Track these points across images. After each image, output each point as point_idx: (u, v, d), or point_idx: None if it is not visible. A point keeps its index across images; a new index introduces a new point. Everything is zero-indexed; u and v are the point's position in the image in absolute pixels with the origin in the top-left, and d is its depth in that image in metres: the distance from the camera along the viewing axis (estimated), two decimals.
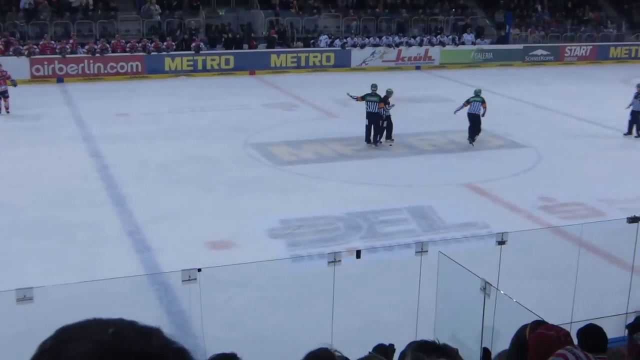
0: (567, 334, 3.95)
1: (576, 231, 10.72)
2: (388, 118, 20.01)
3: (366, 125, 19.85)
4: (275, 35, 34.39)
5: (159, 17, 33.86)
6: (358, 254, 8.75)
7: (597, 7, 43.10)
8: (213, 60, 31.97)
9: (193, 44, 31.89)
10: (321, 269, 8.44)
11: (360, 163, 18.48)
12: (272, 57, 33.13)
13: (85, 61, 29.82)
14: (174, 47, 31.70)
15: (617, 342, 6.16)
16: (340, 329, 8.13)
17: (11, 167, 17.18)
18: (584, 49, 39.08)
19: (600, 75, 34.25)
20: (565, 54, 38.54)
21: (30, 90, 26.06)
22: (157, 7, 33.96)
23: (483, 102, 20.27)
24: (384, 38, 35.71)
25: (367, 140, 19.86)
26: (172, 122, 22.34)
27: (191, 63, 31.56)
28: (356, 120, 20.48)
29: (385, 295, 10.64)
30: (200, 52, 31.76)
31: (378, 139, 19.87)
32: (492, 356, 6.31)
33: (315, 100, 26.35)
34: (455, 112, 20.73)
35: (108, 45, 30.53)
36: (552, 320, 4.72)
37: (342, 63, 34.04)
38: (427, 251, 8.41)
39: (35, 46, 29.54)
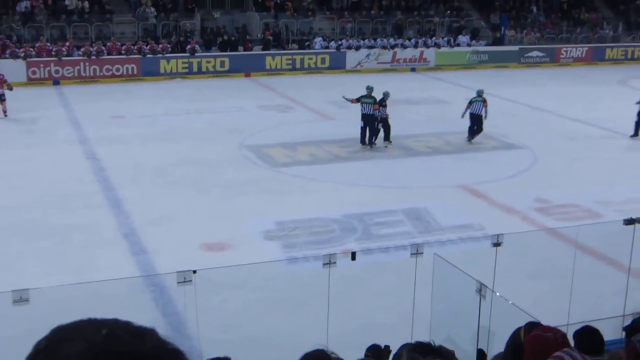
0: (564, 335, 3.94)
1: (572, 233, 10.72)
2: (385, 120, 20.02)
3: (361, 127, 19.85)
4: (270, 38, 34.41)
5: (154, 20, 33.85)
6: (353, 255, 8.74)
7: (593, 9, 43.15)
8: (208, 62, 31.98)
9: (188, 47, 31.91)
10: (316, 270, 8.43)
11: (355, 165, 18.48)
12: (267, 59, 33.14)
13: (81, 64, 29.83)
14: (169, 49, 31.71)
15: (613, 345, 6.16)
16: (335, 330, 8.12)
17: (8, 170, 17.16)
18: (579, 51, 39.09)
19: (596, 77, 34.27)
20: (561, 56, 38.57)
21: (27, 92, 26.03)
22: (153, 9, 33.95)
23: (484, 101, 20.36)
24: (378, 40, 35.72)
25: (362, 142, 19.86)
26: (168, 124, 22.32)
27: (186, 65, 31.56)
28: (351, 122, 20.47)
29: (381, 297, 10.63)
30: (196, 54, 31.78)
31: (373, 140, 19.87)
32: (488, 358, 6.30)
33: (310, 102, 26.35)
34: (462, 117, 20.73)
35: (104, 48, 30.53)
36: (548, 322, 4.72)
37: (337, 65, 34.06)
38: (422, 253, 8.40)
39: (31, 49, 29.55)
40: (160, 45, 31.56)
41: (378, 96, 19.87)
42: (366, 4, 38.26)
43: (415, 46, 35.87)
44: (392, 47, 35.41)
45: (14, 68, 27.05)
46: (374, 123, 19.81)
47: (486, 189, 16.29)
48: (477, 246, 12.08)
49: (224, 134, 21.07)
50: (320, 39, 34.82)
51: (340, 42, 34.71)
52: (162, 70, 31.11)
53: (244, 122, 22.73)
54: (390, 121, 20.09)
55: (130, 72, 30.55)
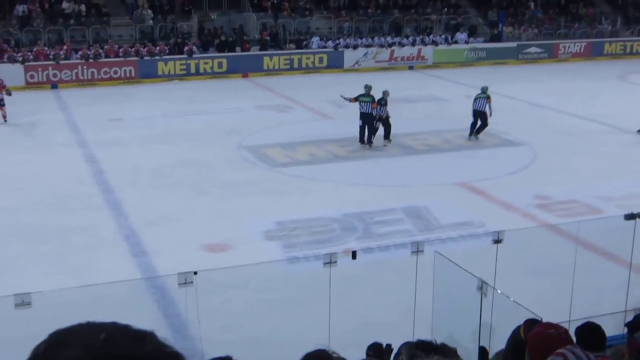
0: (566, 332, 3.93)
1: (573, 229, 10.72)
2: (386, 119, 20.01)
3: (360, 126, 19.84)
4: (268, 38, 34.38)
5: (152, 22, 33.82)
6: (354, 254, 8.73)
7: (591, 3, 43.06)
8: (206, 63, 31.95)
9: (186, 48, 31.88)
10: (317, 270, 8.43)
11: (354, 164, 18.48)
12: (265, 59, 33.11)
13: (79, 67, 29.79)
14: (167, 51, 31.68)
15: (615, 340, 6.15)
16: (337, 330, 8.12)
17: (7, 173, 17.16)
18: (578, 46, 38.99)
19: (595, 72, 34.25)
20: (559, 51, 38.48)
21: (25, 96, 26.01)
22: (150, 11, 33.92)
23: (488, 98, 20.42)
24: (376, 38, 35.69)
25: (361, 141, 19.85)
26: (166, 126, 22.31)
27: (184, 67, 31.54)
28: (350, 122, 20.46)
29: (382, 295, 10.63)
30: (193, 55, 31.75)
31: (372, 138, 19.86)
32: (490, 356, 6.30)
33: (308, 101, 26.34)
34: (490, 115, 20.71)
35: (101, 51, 30.51)
36: (549, 318, 4.71)
37: (335, 64, 34.03)
38: (423, 251, 8.39)
39: (29, 53, 29.53)
40: (157, 47, 31.55)
41: (377, 95, 19.85)
42: (363, 3, 38.23)
43: (413, 44, 35.83)
44: (390, 45, 35.39)
45: (12, 72, 27.01)
46: (373, 122, 19.81)
47: (486, 186, 16.28)
48: (477, 243, 12.06)
49: (222, 135, 21.06)
50: (317, 38, 34.78)
51: (337, 41, 34.68)
52: (159, 72, 31.08)
53: (242, 123, 22.71)
54: (390, 120, 20.09)
55: (128, 75, 30.52)
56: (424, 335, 4.50)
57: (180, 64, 31.47)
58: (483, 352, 6.38)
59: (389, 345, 6.36)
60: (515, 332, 4.32)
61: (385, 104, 20.01)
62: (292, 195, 15.91)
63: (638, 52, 40.10)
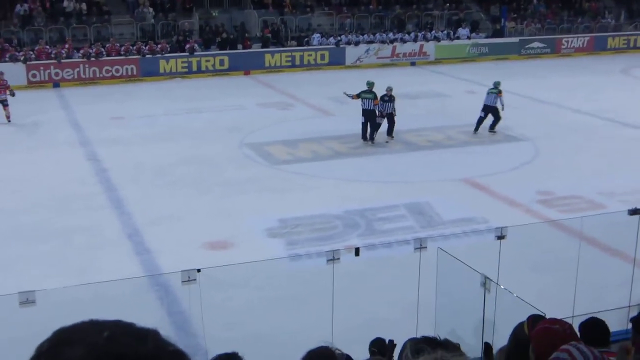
0: (571, 327, 3.92)
1: (576, 224, 10.70)
2: (391, 115, 19.99)
3: (362, 123, 19.83)
4: (269, 35, 34.36)
5: (153, 20, 33.81)
6: (357, 251, 8.73)
7: None
8: (207, 61, 31.94)
9: (187, 46, 31.87)
10: (320, 267, 8.42)
11: (356, 160, 18.47)
12: (267, 56, 33.09)
13: (81, 66, 29.79)
14: (168, 49, 31.66)
15: (619, 336, 6.15)
16: (340, 326, 8.13)
17: (10, 173, 17.16)
18: (580, 40, 38.85)
19: (598, 67, 34.16)
20: (562, 46, 38.33)
21: (27, 95, 26.00)
22: (151, 9, 33.90)
23: (499, 92, 20.57)
24: (378, 35, 35.64)
25: (364, 137, 19.84)
26: (168, 124, 22.31)
27: (186, 65, 31.53)
28: (352, 118, 20.46)
29: (385, 292, 10.63)
30: (195, 53, 31.73)
31: (374, 135, 19.85)
32: (494, 351, 6.29)
33: (310, 98, 26.32)
34: (503, 109, 20.77)
35: (103, 49, 30.49)
36: (553, 314, 4.70)
37: (337, 61, 33.99)
38: (426, 247, 8.39)
39: (31, 52, 29.53)
40: (159, 46, 31.53)
41: (379, 91, 19.84)
42: None
43: (415, 40, 35.78)
44: (392, 41, 35.32)
45: (14, 72, 26.98)
46: (375, 118, 19.80)
47: (488, 182, 16.28)
48: (480, 239, 12.08)
49: (223, 133, 21.06)
50: (317, 35, 34.74)
51: (339, 38, 34.64)
52: (161, 70, 31.07)
53: (243, 120, 22.71)
54: (396, 117, 20.08)
55: (129, 73, 30.52)
56: (427, 331, 4.50)
57: (182, 62, 31.45)
58: (487, 348, 6.36)
59: (391, 341, 6.35)
60: (518, 329, 4.30)
61: (389, 100, 19.99)
62: (294, 192, 15.91)
63: None
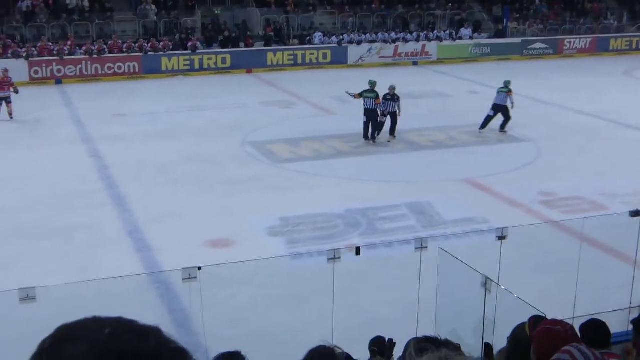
0: (573, 328, 3.92)
1: (578, 225, 10.69)
2: (394, 114, 19.97)
3: (364, 122, 19.83)
4: (272, 33, 34.36)
5: (155, 17, 33.82)
6: (358, 250, 8.72)
7: None
8: (210, 59, 31.95)
9: (190, 44, 31.88)
10: (321, 266, 8.43)
11: (358, 160, 18.47)
12: (269, 55, 33.09)
13: (83, 62, 29.82)
14: (171, 46, 31.68)
15: (619, 337, 6.14)
16: (340, 326, 8.13)
17: (11, 170, 17.17)
18: (583, 42, 38.78)
19: (600, 68, 34.10)
20: (565, 47, 38.27)
21: (29, 92, 26.00)
22: (153, 7, 33.92)
23: (509, 91, 20.63)
24: (380, 34, 35.63)
25: (366, 137, 19.84)
26: (170, 121, 22.31)
27: (188, 62, 31.54)
28: (354, 117, 20.46)
29: (386, 291, 10.63)
30: (197, 51, 31.74)
31: (376, 135, 19.85)
32: (494, 352, 6.29)
33: (312, 97, 26.32)
34: (512, 107, 20.79)
35: (105, 46, 30.51)
36: (554, 315, 4.70)
37: (339, 60, 33.98)
38: (426, 247, 8.39)
39: (33, 49, 29.55)
40: (161, 43, 31.55)
41: (381, 91, 19.83)
42: None
43: (417, 40, 35.75)
44: (394, 41, 35.30)
45: (16, 68, 26.98)
46: (377, 117, 19.79)
47: (490, 183, 16.27)
48: (481, 240, 12.06)
49: (226, 131, 21.06)
50: (319, 34, 34.72)
51: (341, 37, 34.63)
52: (163, 68, 31.09)
53: (246, 119, 22.71)
54: (399, 117, 20.06)
55: (132, 70, 30.55)
56: (427, 331, 4.50)
57: (184, 60, 31.47)
58: (488, 349, 6.37)
59: (391, 340, 6.35)
60: (517, 330, 4.30)
61: (392, 99, 19.96)
62: (296, 191, 15.92)
63: None
